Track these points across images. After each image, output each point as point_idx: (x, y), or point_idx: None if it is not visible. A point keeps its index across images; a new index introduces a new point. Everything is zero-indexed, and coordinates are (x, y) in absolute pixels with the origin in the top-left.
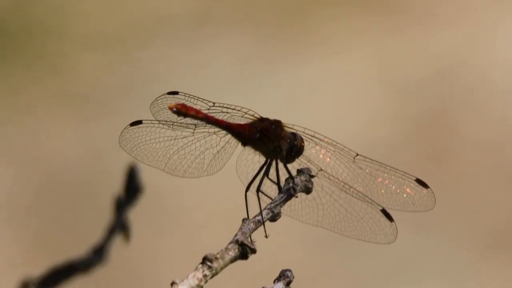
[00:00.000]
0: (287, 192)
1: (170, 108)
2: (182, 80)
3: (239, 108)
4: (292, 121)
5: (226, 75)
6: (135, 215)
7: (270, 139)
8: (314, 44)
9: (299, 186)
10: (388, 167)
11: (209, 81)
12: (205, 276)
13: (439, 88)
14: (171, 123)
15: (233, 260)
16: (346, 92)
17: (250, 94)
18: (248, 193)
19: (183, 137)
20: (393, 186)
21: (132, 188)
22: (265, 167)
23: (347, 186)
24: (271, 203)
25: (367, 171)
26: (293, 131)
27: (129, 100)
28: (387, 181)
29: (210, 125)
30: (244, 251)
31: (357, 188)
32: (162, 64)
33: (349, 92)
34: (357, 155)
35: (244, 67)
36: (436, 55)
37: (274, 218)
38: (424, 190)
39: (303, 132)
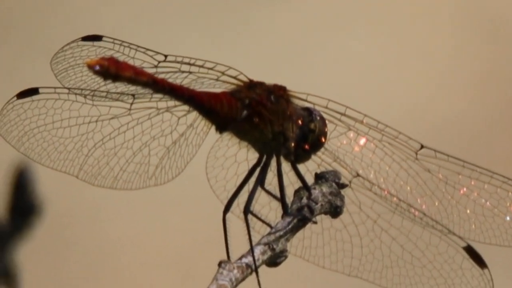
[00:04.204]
0: (298, 214)
1: (90, 66)
2: (106, 16)
3: (210, 65)
4: (304, 86)
5: (184, 7)
6: (29, 253)
7: (266, 120)
8: None
9: (319, 204)
10: (479, 168)
11: (154, 17)
12: None
13: None
14: (90, 92)
15: None
16: (396, 32)
17: (228, 40)
18: (228, 215)
19: (112, 118)
20: (488, 203)
21: (21, 207)
22: (258, 171)
23: (405, 205)
24: (269, 233)
25: (440, 175)
26: (307, 105)
27: (10, 48)
28: (476, 194)
29: (160, 95)
30: None
31: (422, 208)
32: None
33: (402, 33)
34: (422, 147)
35: None
36: None
37: (275, 260)
38: None
39: (326, 107)
